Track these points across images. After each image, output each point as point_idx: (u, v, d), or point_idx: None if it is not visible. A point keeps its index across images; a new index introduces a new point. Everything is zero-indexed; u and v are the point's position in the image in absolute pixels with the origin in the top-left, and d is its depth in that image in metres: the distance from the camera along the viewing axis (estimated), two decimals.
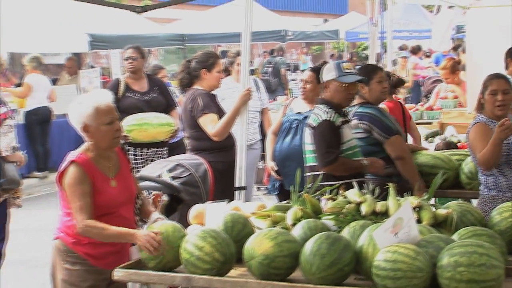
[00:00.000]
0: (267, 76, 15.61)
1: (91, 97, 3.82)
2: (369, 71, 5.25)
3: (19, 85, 11.60)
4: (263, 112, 7.07)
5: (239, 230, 3.73)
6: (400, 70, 14.09)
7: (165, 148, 6.92)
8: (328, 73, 4.74)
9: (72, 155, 3.74)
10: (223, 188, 5.17)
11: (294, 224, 3.78)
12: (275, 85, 15.69)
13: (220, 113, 5.59)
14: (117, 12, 12.72)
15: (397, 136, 5.13)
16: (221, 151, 5.58)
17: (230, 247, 3.52)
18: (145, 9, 5.73)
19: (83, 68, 13.48)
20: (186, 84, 5.80)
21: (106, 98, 3.82)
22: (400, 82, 6.64)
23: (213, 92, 5.77)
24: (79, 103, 3.76)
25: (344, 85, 4.68)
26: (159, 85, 7.18)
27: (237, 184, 5.28)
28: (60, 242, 3.78)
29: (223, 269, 3.49)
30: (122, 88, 6.74)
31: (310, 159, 4.81)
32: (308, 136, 4.80)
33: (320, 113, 4.69)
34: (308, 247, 3.33)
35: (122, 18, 13.34)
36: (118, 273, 3.60)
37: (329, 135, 4.64)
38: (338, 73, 4.68)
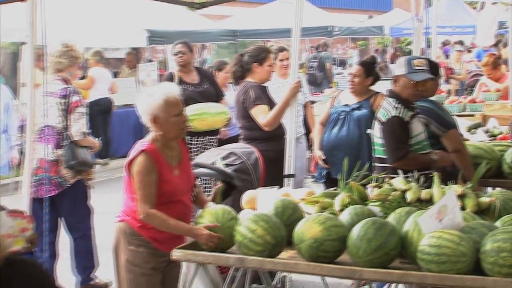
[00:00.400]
0: (313, 70, 15.55)
1: (161, 89, 3.79)
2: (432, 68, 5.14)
3: (83, 77, 11.80)
4: (305, 106, 7.09)
5: (289, 215, 3.74)
6: (454, 63, 13.95)
7: (217, 136, 7.00)
8: (399, 68, 4.63)
9: (142, 144, 3.73)
10: (273, 175, 5.19)
11: (341, 210, 3.79)
12: (321, 79, 15.61)
13: (271, 104, 5.61)
14: (173, 9, 12.86)
15: (454, 130, 5.07)
16: (271, 141, 5.60)
17: (281, 230, 3.54)
18: (203, 5, 5.75)
19: (141, 62, 13.64)
20: (239, 76, 5.84)
21: (175, 90, 3.81)
22: None
23: (264, 85, 5.79)
24: (149, 95, 3.74)
25: (412, 82, 4.57)
26: (208, 77, 7.28)
27: (286, 172, 5.30)
28: (125, 225, 3.80)
29: (274, 251, 3.51)
30: (176, 81, 6.82)
31: (379, 151, 4.73)
32: (377, 130, 4.73)
33: (389, 109, 4.58)
34: (355, 232, 3.33)
35: (178, 14, 13.46)
36: (177, 253, 3.65)
37: (398, 131, 4.53)
38: (407, 70, 4.56)
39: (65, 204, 5.52)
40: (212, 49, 19.66)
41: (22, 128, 5.58)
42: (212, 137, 6.92)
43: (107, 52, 12.48)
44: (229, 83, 7.80)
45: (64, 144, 5.42)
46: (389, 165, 4.53)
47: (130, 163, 3.69)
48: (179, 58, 7.05)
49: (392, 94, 4.66)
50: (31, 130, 5.01)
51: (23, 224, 3.26)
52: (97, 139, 5.82)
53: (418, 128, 4.62)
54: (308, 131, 6.99)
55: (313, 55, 16.61)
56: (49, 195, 5.32)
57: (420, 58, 4.83)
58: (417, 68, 4.57)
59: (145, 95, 3.79)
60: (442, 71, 6.65)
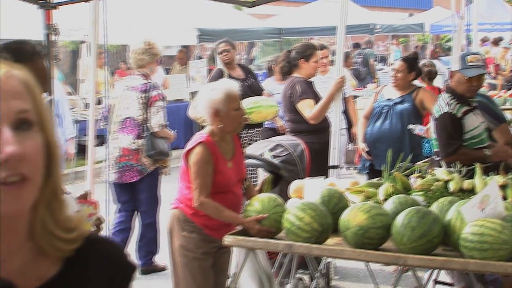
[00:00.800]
0: (357, 66, 15.48)
1: (222, 84, 3.82)
2: None
3: None
4: (347, 100, 7.04)
5: (335, 204, 3.73)
6: (499, 59, 13.74)
7: (261, 128, 7.05)
8: (455, 64, 4.60)
9: (200, 136, 3.76)
10: (318, 166, 5.17)
11: (385, 200, 3.75)
12: (364, 74, 15.54)
13: (316, 98, 5.59)
14: (222, 8, 12.90)
15: (505, 124, 4.99)
16: (317, 133, 5.58)
17: (327, 218, 3.53)
18: (254, 4, 5.75)
19: (191, 59, 13.72)
20: (286, 72, 5.84)
21: (235, 86, 3.83)
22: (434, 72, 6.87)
23: (310, 80, 5.77)
24: (211, 90, 3.76)
25: (465, 77, 4.49)
26: (251, 72, 7.36)
27: (330, 163, 5.28)
28: (179, 212, 3.84)
29: (321, 238, 3.50)
30: (225, 77, 6.86)
31: (435, 145, 4.72)
32: (432, 126, 4.71)
33: (442, 105, 4.53)
34: (399, 220, 3.30)
35: (226, 14, 13.50)
36: (228, 239, 3.67)
37: (449, 127, 4.48)
38: (461, 65, 4.50)
39: (143, 190, 5.72)
40: (258, 47, 19.67)
41: (105, 118, 5.91)
42: (258, 129, 6.96)
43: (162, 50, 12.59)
44: None
45: (145, 135, 5.61)
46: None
47: (188, 153, 3.73)
48: (224, 56, 7.09)
49: (449, 90, 4.62)
50: (93, 122, 5.17)
51: (90, 210, 3.33)
52: (172, 131, 5.96)
53: (474, 122, 4.55)
54: (349, 125, 6.95)
55: (358, 52, 16.55)
56: (132, 180, 5.62)
57: (475, 54, 4.75)
58: (470, 64, 4.50)
59: (207, 90, 3.81)
60: (491, 68, 6.59)
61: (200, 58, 13.20)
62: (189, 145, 3.77)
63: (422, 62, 6.87)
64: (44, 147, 1.13)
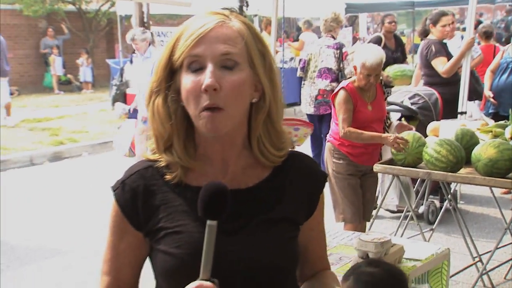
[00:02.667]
0: (500, 31, 14.41)
1: (371, 50, 3.83)
2: None
3: (296, 40, 11.99)
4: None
5: (467, 140, 3.63)
6: None
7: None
8: None
9: (344, 83, 3.86)
10: (449, 112, 5.01)
11: (511, 138, 3.60)
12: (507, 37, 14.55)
13: (449, 56, 5.37)
14: None
15: None
16: (448, 85, 5.38)
17: (461, 152, 3.46)
18: None
19: (341, 27, 13.48)
20: (422, 33, 5.70)
21: (382, 55, 3.78)
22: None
23: (444, 41, 5.55)
24: (364, 50, 3.81)
25: None
26: (401, 45, 7.04)
27: (459, 110, 5.09)
28: (330, 144, 3.97)
29: (455, 167, 3.44)
30: (381, 44, 6.68)
31: None
32: None
33: None
34: None
35: None
36: (377, 167, 3.72)
37: None
38: None
39: (326, 123, 5.86)
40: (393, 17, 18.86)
41: (301, 69, 6.46)
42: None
43: (314, 21, 12.49)
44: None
45: (340, 80, 5.94)
46: None
47: (334, 96, 3.85)
48: (392, 26, 6.88)
49: None
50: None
51: (306, 131, 3.94)
52: None
53: None
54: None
55: (501, 18, 15.50)
56: (326, 113, 6.01)
57: None
58: None
59: (362, 49, 3.88)
60: None
61: (346, 26, 12.96)
62: (335, 90, 3.90)
63: (481, 25, 6.40)
64: (254, 82, 1.15)
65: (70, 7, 15.89)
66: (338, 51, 6.21)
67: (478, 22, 11.62)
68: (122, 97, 8.38)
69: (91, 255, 4.44)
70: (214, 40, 1.11)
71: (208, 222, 1.03)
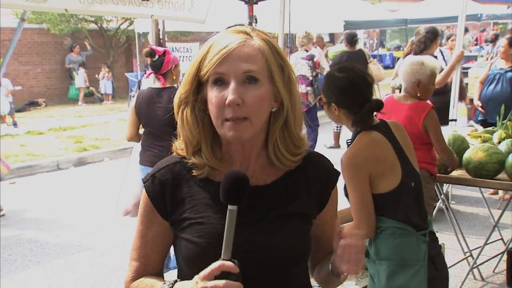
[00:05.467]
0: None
1: (430, 61, 3.34)
2: None
3: None
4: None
5: (459, 145, 3.62)
6: None
7: None
8: None
9: (424, 103, 3.33)
10: (440, 119, 4.99)
11: (499, 142, 3.60)
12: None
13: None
14: (361, 4, 12.54)
15: None
16: (439, 95, 5.34)
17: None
18: None
19: (337, 43, 13.51)
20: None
21: (438, 66, 3.42)
22: None
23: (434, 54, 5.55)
24: (420, 63, 3.26)
25: None
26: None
27: (450, 117, 5.09)
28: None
29: (447, 170, 3.43)
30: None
31: None
32: None
33: None
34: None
35: (364, 8, 13.10)
36: None
37: None
38: None
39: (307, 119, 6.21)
40: (387, 33, 18.91)
41: None
42: None
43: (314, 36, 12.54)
44: None
45: (313, 85, 6.99)
46: None
47: (424, 116, 3.37)
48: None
49: None
50: None
51: None
52: None
53: None
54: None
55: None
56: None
57: None
58: None
59: (413, 62, 3.29)
60: None
61: (341, 42, 12.97)
62: (422, 108, 3.33)
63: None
64: (274, 93, 1.17)
65: (93, 26, 15.99)
66: (311, 61, 7.09)
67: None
68: None
69: (111, 251, 4.46)
70: (237, 59, 1.13)
71: (229, 206, 1.04)
